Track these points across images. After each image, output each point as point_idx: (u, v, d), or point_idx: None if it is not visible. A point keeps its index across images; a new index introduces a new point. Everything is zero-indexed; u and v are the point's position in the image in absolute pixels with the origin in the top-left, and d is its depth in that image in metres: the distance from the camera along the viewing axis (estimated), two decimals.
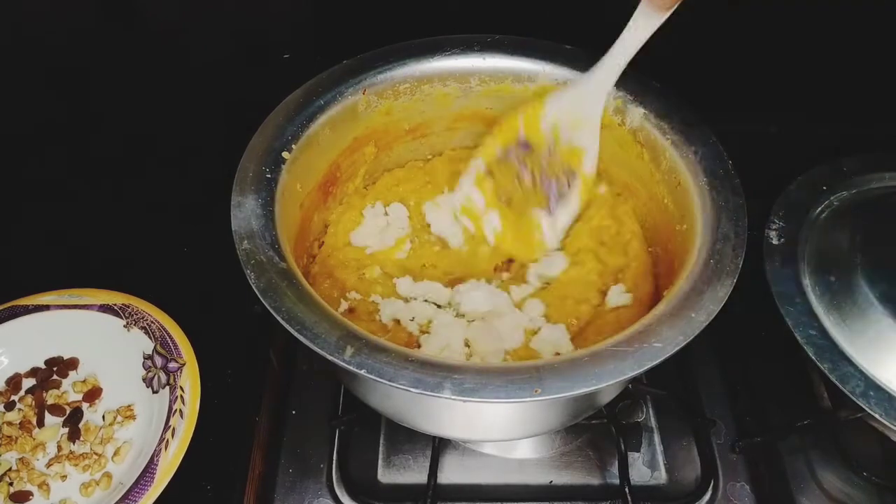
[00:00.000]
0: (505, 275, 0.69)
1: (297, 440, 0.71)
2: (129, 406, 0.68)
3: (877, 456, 0.68)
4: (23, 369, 0.70)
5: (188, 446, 0.62)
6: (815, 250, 0.64)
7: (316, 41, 1.07)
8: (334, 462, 0.69)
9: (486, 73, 0.70)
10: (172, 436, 0.62)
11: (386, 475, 0.70)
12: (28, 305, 0.71)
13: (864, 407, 0.55)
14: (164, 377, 0.67)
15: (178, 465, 0.61)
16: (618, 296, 0.64)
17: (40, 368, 0.70)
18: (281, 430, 0.71)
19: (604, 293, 0.66)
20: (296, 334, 0.50)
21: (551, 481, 0.69)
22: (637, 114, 0.66)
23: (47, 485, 0.63)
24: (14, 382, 0.69)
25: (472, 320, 0.64)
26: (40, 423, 0.67)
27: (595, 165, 0.66)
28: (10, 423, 0.67)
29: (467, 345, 0.62)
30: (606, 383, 0.48)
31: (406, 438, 0.71)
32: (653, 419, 0.73)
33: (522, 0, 0.96)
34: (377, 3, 1.04)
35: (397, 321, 0.64)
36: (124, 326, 0.70)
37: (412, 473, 0.70)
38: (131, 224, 0.82)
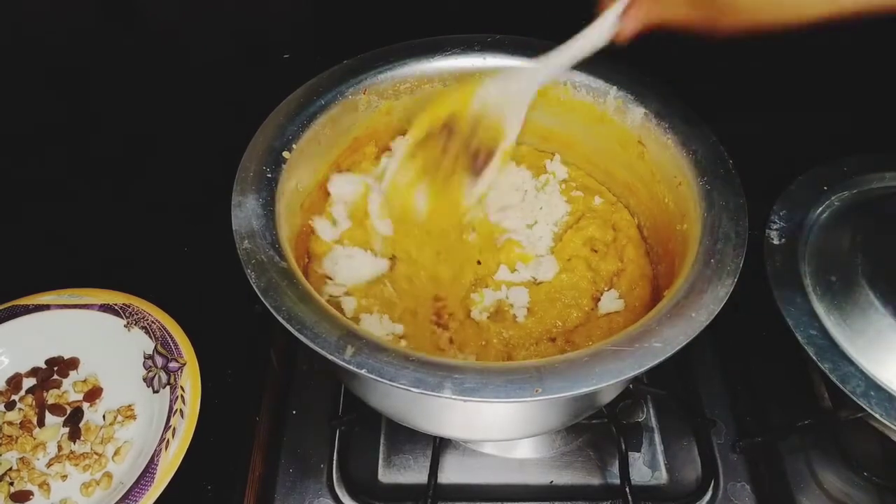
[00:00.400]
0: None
1: (297, 440, 0.71)
2: (130, 406, 0.68)
3: (877, 456, 0.68)
4: (23, 369, 0.70)
5: (188, 446, 0.62)
6: (816, 250, 0.64)
7: (316, 41, 1.08)
8: (334, 462, 0.69)
9: (486, 73, 0.70)
10: (173, 436, 0.62)
11: (386, 475, 0.70)
12: (28, 305, 0.71)
13: (864, 407, 0.55)
14: (164, 377, 0.67)
15: (178, 464, 0.61)
16: (610, 302, 0.64)
17: (41, 368, 0.70)
18: (281, 430, 0.71)
19: (597, 300, 0.65)
20: (296, 334, 0.50)
21: (552, 481, 0.69)
22: (637, 114, 0.66)
23: (48, 484, 0.63)
24: (14, 382, 0.69)
25: None
26: (41, 423, 0.67)
27: (515, 138, 0.67)
28: (10, 423, 0.67)
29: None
30: (607, 383, 0.48)
31: (406, 438, 0.71)
32: (653, 419, 0.73)
33: (522, 0, 0.96)
34: (377, 3, 1.04)
35: None
36: (125, 326, 0.70)
37: (412, 473, 0.70)
38: (131, 224, 0.82)
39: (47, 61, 1.02)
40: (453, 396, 0.47)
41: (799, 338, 0.58)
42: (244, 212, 0.57)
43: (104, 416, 0.68)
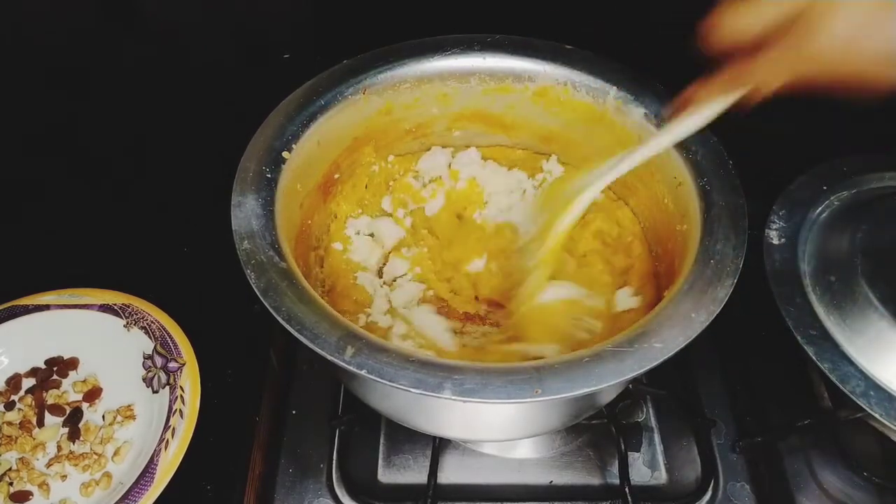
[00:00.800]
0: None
1: (297, 440, 0.71)
2: (129, 406, 0.68)
3: (877, 456, 0.68)
4: (23, 369, 0.70)
5: (188, 446, 0.62)
6: (815, 250, 0.64)
7: (316, 41, 1.08)
8: (334, 462, 0.69)
9: (486, 73, 0.70)
10: (172, 436, 0.62)
11: (386, 475, 0.70)
12: (28, 305, 0.71)
13: (864, 407, 0.55)
14: (164, 377, 0.67)
15: (178, 464, 0.61)
16: (626, 299, 0.64)
17: (40, 368, 0.70)
18: (281, 430, 0.71)
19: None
20: (296, 334, 0.50)
21: (551, 481, 0.69)
22: (637, 114, 0.66)
23: (47, 485, 0.63)
24: (14, 382, 0.69)
25: None
26: (40, 423, 0.67)
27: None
28: (10, 423, 0.67)
29: None
30: (607, 384, 0.48)
31: (406, 438, 0.71)
32: (653, 419, 0.73)
33: (522, 0, 0.96)
34: (377, 3, 1.04)
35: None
36: (124, 326, 0.70)
37: (412, 473, 0.70)
38: (131, 224, 0.82)
39: (47, 61, 1.02)
40: (453, 397, 0.47)
41: (798, 338, 0.58)
42: (244, 212, 0.57)
43: (104, 417, 0.68)
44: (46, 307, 0.71)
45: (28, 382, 0.70)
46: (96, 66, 1.02)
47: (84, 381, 0.70)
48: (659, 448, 0.71)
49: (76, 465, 0.64)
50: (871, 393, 0.55)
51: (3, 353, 0.70)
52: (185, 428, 0.63)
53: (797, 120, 0.88)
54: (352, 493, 0.67)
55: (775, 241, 0.64)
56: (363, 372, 0.48)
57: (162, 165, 0.89)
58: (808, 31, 0.47)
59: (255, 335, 0.73)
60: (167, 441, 0.62)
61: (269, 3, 1.11)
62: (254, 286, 0.52)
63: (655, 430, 0.73)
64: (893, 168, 0.70)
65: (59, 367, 0.70)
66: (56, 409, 0.68)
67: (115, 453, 0.65)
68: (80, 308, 0.71)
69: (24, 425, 0.67)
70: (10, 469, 0.64)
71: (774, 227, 0.65)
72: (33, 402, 0.68)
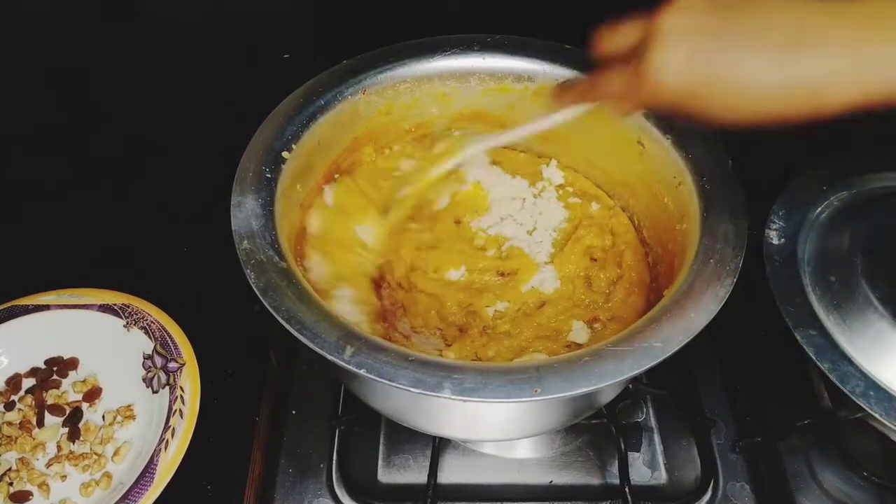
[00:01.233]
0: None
1: (297, 440, 0.71)
2: (129, 406, 0.68)
3: (877, 456, 0.68)
4: (23, 369, 0.70)
5: (188, 446, 0.62)
6: (815, 250, 0.64)
7: (316, 41, 1.08)
8: (334, 462, 0.69)
9: (486, 73, 0.70)
10: (172, 436, 0.62)
11: (386, 475, 0.70)
12: (28, 305, 0.71)
13: (864, 407, 0.55)
14: (164, 377, 0.67)
15: (178, 464, 0.61)
16: (579, 331, 0.64)
17: (40, 368, 0.70)
18: (281, 430, 0.71)
19: (590, 322, 0.66)
20: (296, 334, 0.50)
21: (551, 481, 0.69)
22: (637, 114, 0.66)
23: (47, 485, 0.63)
24: (14, 382, 0.69)
25: None
26: (40, 423, 0.67)
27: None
28: (9, 423, 0.67)
29: None
30: (606, 383, 0.48)
31: (406, 438, 0.71)
32: (653, 419, 0.73)
33: (522, 0, 0.96)
34: (377, 3, 1.04)
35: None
36: (124, 326, 0.70)
37: (412, 473, 0.70)
38: (131, 224, 0.82)
39: (47, 61, 1.02)
40: (452, 396, 0.47)
41: (798, 338, 0.58)
42: (244, 212, 0.57)
43: (104, 417, 0.68)
44: (46, 307, 0.71)
45: (28, 382, 0.70)
46: (96, 66, 1.02)
47: (84, 381, 0.70)
48: (659, 448, 0.71)
49: (76, 465, 0.64)
50: (871, 393, 0.55)
51: (3, 353, 0.70)
52: (184, 428, 0.63)
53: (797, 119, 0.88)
54: (352, 493, 0.67)
55: (775, 241, 0.64)
56: (362, 371, 0.48)
57: (162, 165, 0.89)
58: (638, 60, 0.46)
59: (255, 335, 0.73)
60: (167, 441, 0.62)
61: (269, 3, 1.11)
62: (254, 286, 0.52)
63: (655, 430, 0.73)
64: (893, 168, 0.70)
65: (59, 367, 0.70)
66: (56, 409, 0.68)
67: (115, 453, 0.65)
68: (80, 308, 0.71)
69: (23, 425, 0.67)
70: (9, 469, 0.64)
71: (774, 227, 0.65)
72: (33, 402, 0.68)
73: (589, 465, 0.70)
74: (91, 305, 0.71)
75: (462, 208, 0.73)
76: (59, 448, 0.66)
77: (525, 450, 0.71)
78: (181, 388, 0.66)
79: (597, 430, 0.71)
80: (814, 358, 0.57)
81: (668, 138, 0.64)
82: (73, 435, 0.66)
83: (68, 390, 0.69)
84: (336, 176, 0.71)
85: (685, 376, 0.76)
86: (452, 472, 0.70)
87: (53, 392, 0.69)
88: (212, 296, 0.73)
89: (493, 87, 0.71)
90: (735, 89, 0.43)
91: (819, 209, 0.67)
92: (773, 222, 0.66)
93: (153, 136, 0.92)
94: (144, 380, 0.68)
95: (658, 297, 0.56)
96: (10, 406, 0.68)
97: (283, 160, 0.61)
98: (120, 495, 0.60)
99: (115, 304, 0.71)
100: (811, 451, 0.69)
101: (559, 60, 0.69)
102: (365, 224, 0.67)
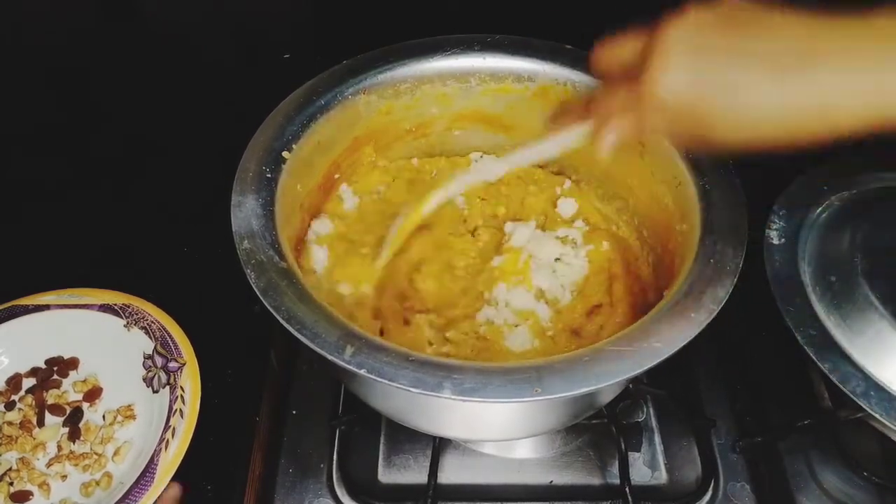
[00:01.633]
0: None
1: (297, 440, 0.71)
2: (130, 406, 0.68)
3: (877, 456, 0.68)
4: (23, 369, 0.70)
5: (188, 446, 0.62)
6: (815, 250, 0.64)
7: (316, 41, 1.08)
8: (334, 462, 0.69)
9: (486, 73, 0.70)
10: (173, 436, 0.62)
11: (386, 475, 0.70)
12: (28, 305, 0.71)
13: (864, 407, 0.55)
14: (164, 377, 0.67)
15: (178, 464, 0.61)
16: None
17: (40, 368, 0.70)
18: (281, 430, 0.71)
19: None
20: (296, 334, 0.50)
21: (551, 481, 0.69)
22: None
23: (48, 484, 0.63)
24: (14, 382, 0.69)
25: None
26: (40, 423, 0.67)
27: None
28: (10, 423, 0.67)
29: None
30: (606, 383, 0.48)
31: (406, 438, 0.71)
32: (653, 419, 0.73)
33: (522, 0, 0.96)
34: (377, 3, 1.04)
35: None
36: (125, 326, 0.70)
37: (412, 473, 0.70)
38: (131, 224, 0.82)
39: (47, 61, 1.02)
40: (453, 397, 0.47)
41: (798, 338, 0.58)
42: (244, 212, 0.57)
43: (104, 416, 0.68)
44: (46, 307, 0.71)
45: (28, 382, 0.70)
46: (96, 66, 1.02)
47: (84, 381, 0.69)
48: (659, 448, 0.71)
49: (76, 464, 0.64)
50: (871, 393, 0.55)
51: (4, 353, 0.70)
52: (185, 428, 0.63)
53: None
54: (352, 493, 0.67)
55: (775, 241, 0.64)
56: (363, 371, 0.48)
57: (162, 165, 0.89)
58: (640, 76, 0.44)
59: (255, 335, 0.73)
60: (167, 441, 0.62)
61: (269, 3, 1.11)
62: (254, 286, 0.52)
63: (655, 430, 0.73)
64: (893, 168, 0.70)
65: (60, 366, 0.70)
66: (56, 409, 0.68)
67: (116, 453, 0.65)
68: (80, 308, 0.71)
69: (24, 425, 0.67)
70: (10, 469, 0.64)
71: (774, 227, 0.65)
72: (33, 402, 0.68)
73: (589, 465, 0.70)
74: (91, 305, 0.71)
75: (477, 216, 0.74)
76: (59, 448, 0.66)
77: (525, 450, 0.71)
78: (182, 387, 0.65)
79: (597, 430, 0.71)
80: (814, 358, 0.57)
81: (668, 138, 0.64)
82: (74, 435, 0.66)
83: (69, 390, 0.69)
84: (321, 215, 0.70)
85: (685, 376, 0.76)
86: (453, 472, 0.70)
87: (54, 392, 0.69)
88: (212, 296, 0.73)
89: (493, 87, 0.71)
90: (742, 110, 0.42)
91: (819, 209, 0.67)
92: (773, 222, 0.66)
93: (153, 136, 0.92)
94: (145, 379, 0.68)
95: (658, 297, 0.56)
96: (10, 406, 0.68)
97: (284, 160, 0.61)
98: (120, 495, 0.59)
99: (115, 304, 0.71)
100: (811, 451, 0.69)
101: (559, 60, 0.69)
102: (348, 282, 0.66)
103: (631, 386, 0.70)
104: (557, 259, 0.70)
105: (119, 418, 0.67)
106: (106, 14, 1.09)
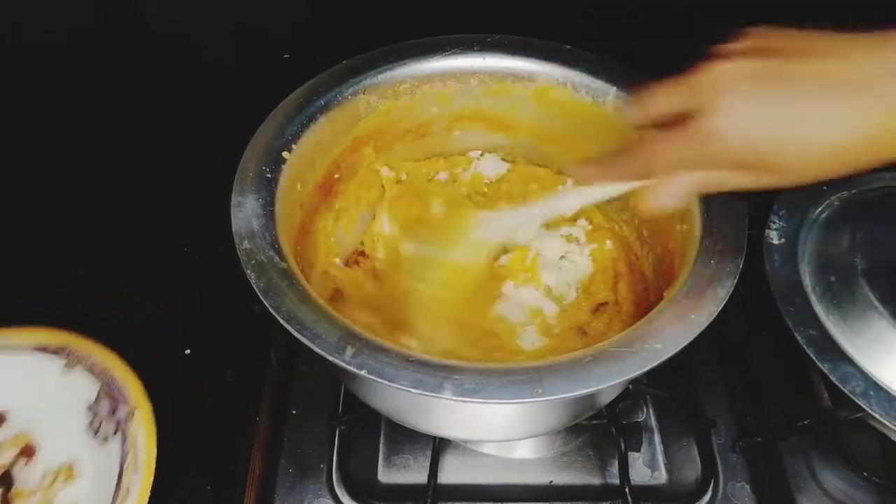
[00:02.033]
0: None
1: (297, 440, 0.71)
2: (70, 464, 0.59)
3: (877, 456, 0.68)
4: None
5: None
6: (815, 250, 0.64)
7: (316, 41, 1.08)
8: (334, 462, 0.69)
9: (486, 73, 0.70)
10: (127, 496, 0.54)
11: (386, 475, 0.70)
12: None
13: (864, 407, 0.55)
14: (111, 426, 0.59)
15: None
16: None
17: None
18: (281, 430, 0.71)
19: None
20: (296, 334, 0.50)
21: (551, 481, 0.69)
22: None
23: None
24: None
25: None
26: None
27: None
28: None
29: None
30: (607, 384, 0.48)
31: (406, 438, 0.71)
32: (653, 419, 0.73)
33: (522, 0, 0.96)
34: (377, 3, 1.04)
35: None
36: (63, 367, 0.61)
37: (412, 473, 0.70)
38: (131, 224, 0.82)
39: (47, 61, 1.02)
40: (453, 397, 0.47)
41: (798, 338, 0.58)
42: (244, 212, 0.57)
43: (42, 478, 0.59)
44: None
45: None
46: (96, 66, 1.02)
47: (16, 438, 0.61)
48: (659, 448, 0.71)
49: None
50: (871, 393, 0.55)
51: None
52: (140, 488, 0.55)
53: None
54: (352, 493, 0.67)
55: (775, 241, 0.64)
56: (363, 372, 0.48)
57: (162, 165, 0.89)
58: (696, 128, 0.43)
59: (255, 335, 0.73)
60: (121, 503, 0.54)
61: (269, 3, 1.11)
62: (254, 286, 0.52)
63: (655, 431, 0.73)
64: (893, 168, 0.70)
65: None
66: None
67: None
68: (8, 351, 0.62)
69: None
70: None
71: (774, 227, 0.65)
72: None
73: (589, 466, 0.70)
74: (22, 347, 0.62)
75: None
76: None
77: (525, 450, 0.71)
78: (133, 437, 0.57)
79: (597, 430, 0.71)
80: (814, 358, 0.57)
81: None
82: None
83: None
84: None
85: (685, 376, 0.76)
86: (453, 473, 0.70)
87: None
88: (212, 296, 0.73)
89: (493, 87, 0.71)
90: (805, 146, 0.40)
91: (819, 209, 0.67)
92: (773, 222, 0.66)
93: (153, 136, 0.92)
94: (88, 431, 0.60)
95: (658, 297, 0.56)
96: None
97: (284, 160, 0.61)
98: None
99: (50, 345, 0.62)
100: (811, 451, 0.69)
101: (559, 60, 0.69)
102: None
103: (631, 386, 0.70)
104: (563, 257, 0.70)
105: (61, 478, 0.59)
106: (106, 14, 1.09)
